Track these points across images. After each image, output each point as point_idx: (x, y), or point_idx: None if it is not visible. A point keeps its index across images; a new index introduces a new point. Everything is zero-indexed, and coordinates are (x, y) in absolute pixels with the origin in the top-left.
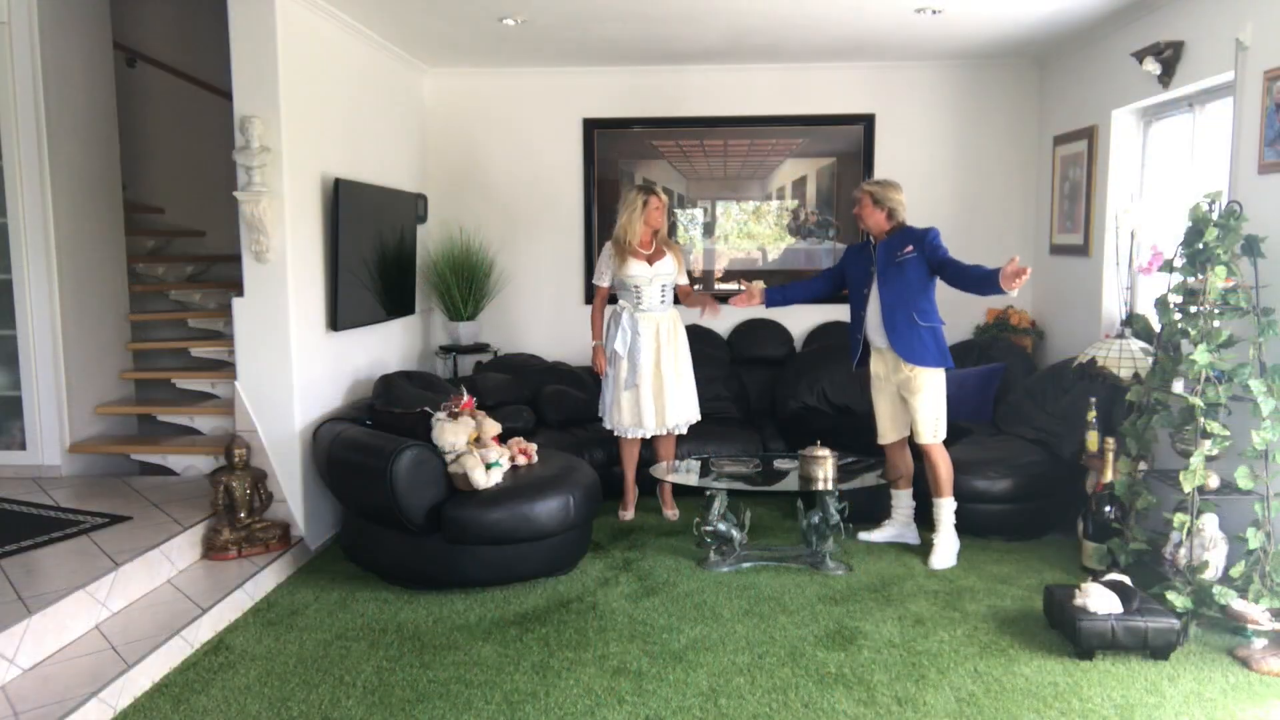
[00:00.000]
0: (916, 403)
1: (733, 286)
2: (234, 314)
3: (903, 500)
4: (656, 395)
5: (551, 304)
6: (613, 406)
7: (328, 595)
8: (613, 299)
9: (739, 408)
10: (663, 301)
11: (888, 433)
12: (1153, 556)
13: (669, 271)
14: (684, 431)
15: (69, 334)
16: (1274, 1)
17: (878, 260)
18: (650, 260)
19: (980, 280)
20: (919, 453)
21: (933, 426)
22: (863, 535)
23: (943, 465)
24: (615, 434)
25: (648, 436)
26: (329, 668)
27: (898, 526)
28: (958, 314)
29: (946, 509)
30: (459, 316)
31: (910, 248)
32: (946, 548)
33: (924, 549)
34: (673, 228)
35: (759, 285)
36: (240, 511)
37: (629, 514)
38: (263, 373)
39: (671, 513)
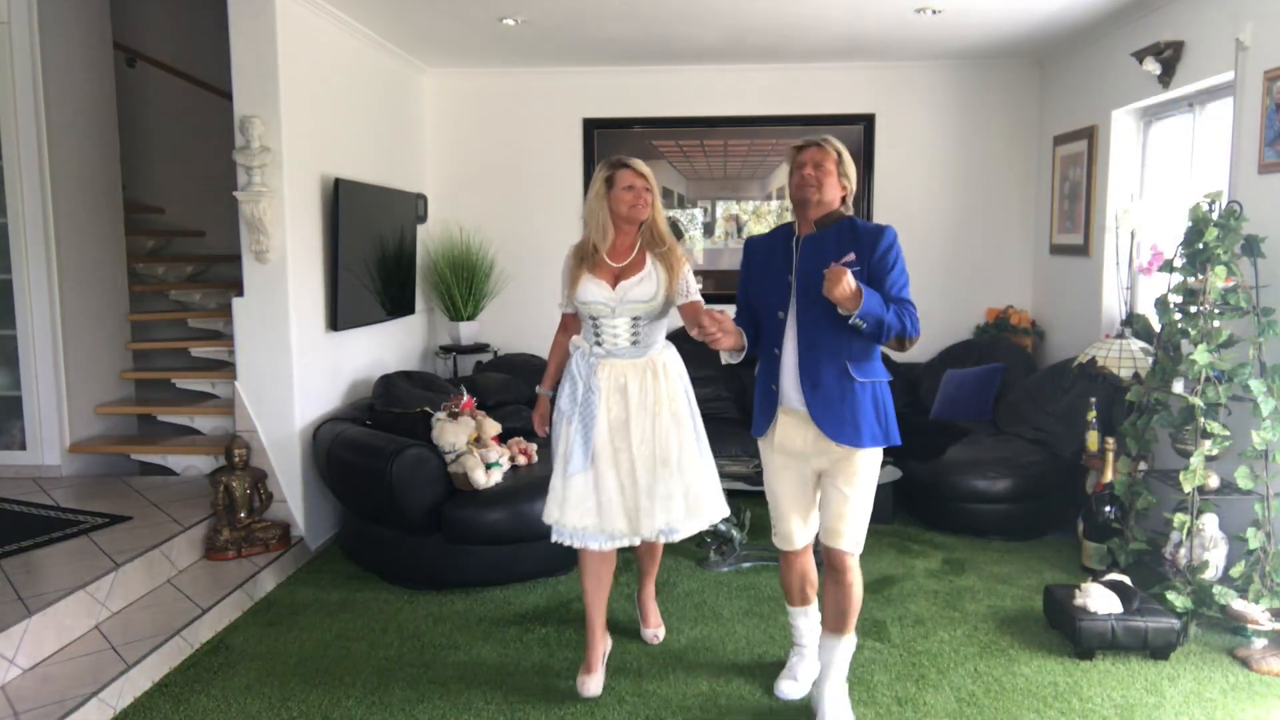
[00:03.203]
0: (850, 492)
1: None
2: (234, 314)
3: (813, 620)
4: (628, 482)
5: (552, 304)
6: (550, 495)
7: (328, 595)
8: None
9: (739, 408)
10: (635, 342)
11: (797, 535)
12: (1153, 556)
13: (643, 297)
14: (678, 538)
15: (69, 334)
16: (1274, 1)
17: (798, 266)
18: (616, 278)
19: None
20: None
21: (860, 530)
22: (785, 693)
23: (859, 587)
24: (556, 540)
25: (616, 548)
26: (329, 668)
27: (811, 659)
28: (957, 313)
29: (847, 650)
30: (459, 316)
31: (853, 256)
32: (843, 700)
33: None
34: (675, 227)
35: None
36: (240, 511)
37: (593, 682)
38: (263, 373)
39: (654, 631)
